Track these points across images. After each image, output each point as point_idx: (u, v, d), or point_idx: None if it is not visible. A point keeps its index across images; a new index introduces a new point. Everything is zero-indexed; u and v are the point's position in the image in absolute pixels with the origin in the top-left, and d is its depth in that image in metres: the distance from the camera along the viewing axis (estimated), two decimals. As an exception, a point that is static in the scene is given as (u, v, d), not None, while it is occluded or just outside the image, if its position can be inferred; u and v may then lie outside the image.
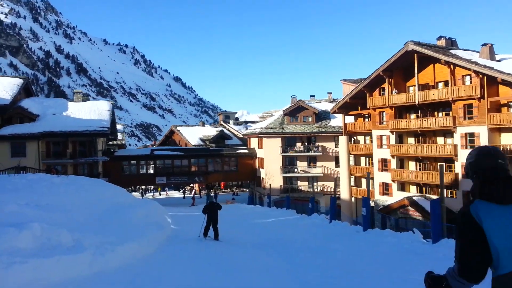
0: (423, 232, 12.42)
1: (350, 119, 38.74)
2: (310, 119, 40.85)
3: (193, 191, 53.92)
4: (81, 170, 36.65)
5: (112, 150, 42.61)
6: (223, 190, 58.96)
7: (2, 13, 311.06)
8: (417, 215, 30.03)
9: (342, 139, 37.63)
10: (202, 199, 47.86)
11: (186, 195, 51.34)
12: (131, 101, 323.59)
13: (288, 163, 41.12)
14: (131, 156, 41.22)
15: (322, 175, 39.86)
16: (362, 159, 38.26)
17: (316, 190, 40.48)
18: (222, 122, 70.42)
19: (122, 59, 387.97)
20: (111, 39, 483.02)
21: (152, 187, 59.85)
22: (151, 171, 42.82)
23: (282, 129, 40.23)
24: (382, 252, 9.29)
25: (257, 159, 43.83)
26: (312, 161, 40.89)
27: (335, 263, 8.30)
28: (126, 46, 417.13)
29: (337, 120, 40.52)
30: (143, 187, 61.63)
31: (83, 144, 36.59)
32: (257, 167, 43.90)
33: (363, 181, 38.42)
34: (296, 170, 40.51)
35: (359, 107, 36.75)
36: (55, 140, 35.28)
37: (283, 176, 40.38)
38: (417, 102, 30.05)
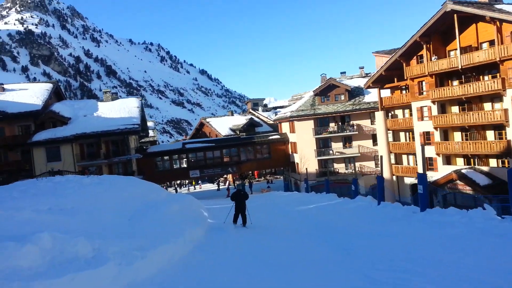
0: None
1: (386, 93, 36.53)
2: (342, 97, 38.91)
3: (227, 182, 53.45)
4: (115, 169, 36.80)
5: (144, 147, 42.63)
6: (257, 179, 58.19)
7: (32, 24, 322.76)
8: (467, 189, 27.84)
9: (379, 115, 35.55)
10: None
11: (220, 187, 50.94)
12: (160, 98, 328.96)
13: (322, 145, 39.52)
14: (164, 151, 41.05)
15: (359, 155, 38.04)
16: (402, 134, 36.07)
17: (354, 171, 38.78)
18: (250, 110, 69.34)
19: (148, 57, 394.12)
20: (136, 39, 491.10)
21: (187, 181, 60.00)
22: (184, 165, 42.51)
23: (313, 110, 38.60)
24: (452, 235, 7.84)
25: (289, 144, 42.49)
26: (347, 141, 39.07)
27: (399, 253, 6.99)
28: (151, 44, 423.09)
29: (372, 96, 38.38)
30: (178, 182, 61.95)
31: (115, 143, 36.64)
32: (290, 152, 42.59)
33: (404, 157, 36.31)
34: (331, 152, 38.89)
35: (395, 79, 34.51)
36: (88, 142, 35.50)
37: (318, 160, 38.89)
38: (460, 67, 27.61)
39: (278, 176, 60.48)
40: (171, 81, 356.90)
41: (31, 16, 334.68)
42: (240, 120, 61.34)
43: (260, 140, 42.66)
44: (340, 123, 38.63)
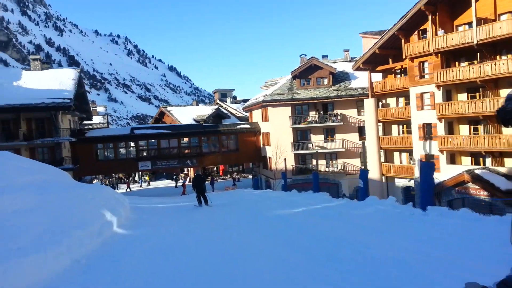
0: None
1: (377, 77, 30.84)
2: (325, 81, 32.90)
3: (187, 178, 46.31)
4: (39, 155, 28.88)
5: (84, 132, 34.75)
6: (222, 176, 51.26)
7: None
8: (481, 194, 22.38)
9: (369, 103, 29.80)
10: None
11: (178, 184, 43.71)
12: (125, 92, 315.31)
13: (300, 137, 33.32)
14: (107, 137, 33.37)
15: (343, 150, 32.07)
16: (394, 127, 30.47)
17: (335, 169, 32.81)
18: (218, 101, 62.48)
19: (114, 50, 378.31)
20: (102, 30, 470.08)
21: (138, 176, 52.17)
22: (133, 155, 35.08)
23: (291, 95, 32.32)
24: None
25: (261, 135, 36.03)
26: (329, 133, 33.08)
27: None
28: (118, 36, 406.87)
29: (360, 81, 32.62)
30: (119, 176, 53.77)
31: (41, 122, 28.77)
32: (261, 145, 36.12)
33: (396, 155, 30.72)
34: (310, 146, 32.74)
35: (390, 60, 28.86)
36: (3, 117, 27.47)
37: (295, 154, 32.64)
38: (475, 42, 22.18)
39: (246, 175, 53.85)
40: (138, 76, 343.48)
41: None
42: (205, 110, 54.37)
43: (226, 129, 35.91)
44: (322, 112, 32.56)
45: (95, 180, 48.43)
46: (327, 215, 9.58)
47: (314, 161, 33.16)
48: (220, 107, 55.81)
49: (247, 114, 57.09)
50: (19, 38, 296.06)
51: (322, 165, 32.84)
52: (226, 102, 62.90)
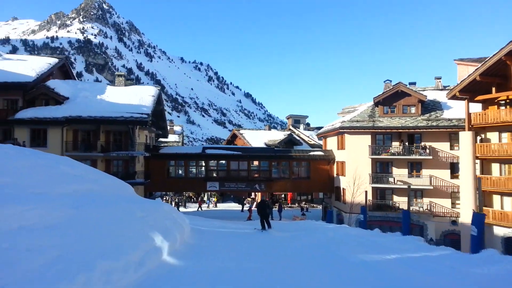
0: None
1: (475, 108, 26.95)
2: (413, 109, 29.65)
3: (254, 202, 44.85)
4: (114, 167, 29.48)
5: (157, 147, 35.27)
6: (289, 204, 49.03)
7: (92, 34, 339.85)
8: None
9: (465, 136, 25.94)
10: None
11: (245, 208, 42.41)
12: (203, 116, 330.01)
13: (380, 170, 30.16)
14: (178, 154, 33.36)
15: (431, 188, 28.18)
16: (495, 166, 26.07)
17: (420, 209, 28.94)
18: (291, 127, 61.02)
19: (197, 76, 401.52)
20: (187, 57, 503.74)
21: (206, 196, 51.92)
22: (202, 174, 34.58)
23: (372, 123, 29.56)
24: None
25: (335, 164, 33.46)
26: (415, 168, 29.48)
27: None
28: (201, 63, 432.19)
29: (454, 111, 28.85)
30: (189, 195, 53.87)
31: (118, 135, 29.49)
32: (335, 174, 33.47)
33: (496, 199, 26.13)
34: (391, 179, 29.40)
35: (493, 89, 25.01)
36: (84, 128, 28.60)
37: (373, 188, 29.49)
38: None
39: (314, 205, 51.02)
40: (215, 101, 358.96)
41: (92, 27, 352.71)
42: (277, 135, 53.19)
43: (298, 155, 33.97)
44: (407, 143, 29.22)
45: (166, 197, 49.11)
46: (433, 269, 7.12)
47: (395, 197, 29.62)
48: (292, 133, 54.27)
49: (320, 142, 54.76)
50: (114, 62, 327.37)
51: (403, 203, 29.17)
52: (299, 128, 61.25)
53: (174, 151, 34.05)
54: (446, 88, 33.07)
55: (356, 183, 28.23)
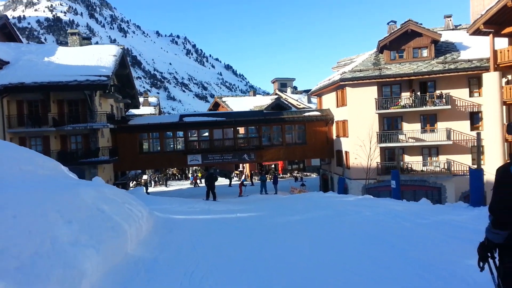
0: None
1: (498, 45, 22.58)
2: (425, 52, 25.08)
3: (243, 175, 40.67)
4: (71, 144, 24.40)
5: (126, 118, 30.09)
6: (281, 175, 44.84)
7: (61, 11, 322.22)
8: None
9: (491, 78, 21.72)
10: (255, 187, 34.22)
11: (233, 182, 38.06)
12: (183, 91, 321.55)
13: (388, 127, 25.88)
14: (152, 125, 28.31)
15: (449, 143, 24.06)
16: (527, 112, 22.07)
17: (437, 168, 24.98)
18: (277, 91, 56.13)
19: (174, 50, 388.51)
20: (163, 31, 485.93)
21: (192, 172, 47.34)
22: (181, 146, 29.83)
23: (379, 71, 24.97)
24: None
25: (334, 124, 29.05)
26: (429, 121, 25.27)
27: None
28: (178, 36, 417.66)
29: (472, 52, 24.40)
30: (173, 172, 48.99)
31: (74, 104, 24.25)
32: (334, 136, 29.14)
33: (528, 150, 22.29)
34: (402, 137, 25.18)
35: (527, 17, 20.58)
36: (31, 98, 23.25)
37: (381, 148, 25.28)
38: None
39: (308, 174, 47.05)
40: (195, 75, 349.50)
41: (60, 4, 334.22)
42: (264, 100, 48.38)
43: (291, 117, 29.38)
44: (419, 93, 24.82)
45: (145, 176, 44.37)
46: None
47: (407, 157, 25.54)
48: (280, 98, 49.55)
49: (311, 105, 50.24)
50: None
51: (417, 163, 25.15)
52: (286, 92, 56.45)
53: (147, 121, 28.97)
54: (458, 28, 28.53)
55: (371, 142, 24.02)
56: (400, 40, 25.11)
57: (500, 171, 2.67)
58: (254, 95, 56.49)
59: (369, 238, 5.96)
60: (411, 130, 25.16)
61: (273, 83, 58.56)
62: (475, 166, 20.97)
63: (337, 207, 9.92)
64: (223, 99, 50.75)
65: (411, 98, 24.76)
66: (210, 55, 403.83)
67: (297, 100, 53.43)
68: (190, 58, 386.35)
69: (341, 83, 25.61)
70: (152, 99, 50.30)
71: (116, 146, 27.46)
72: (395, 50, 25.65)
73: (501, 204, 2.57)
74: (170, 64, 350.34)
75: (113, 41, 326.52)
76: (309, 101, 52.87)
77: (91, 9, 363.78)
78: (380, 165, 25.28)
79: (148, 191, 33.83)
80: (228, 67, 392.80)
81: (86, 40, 29.11)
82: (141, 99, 48.27)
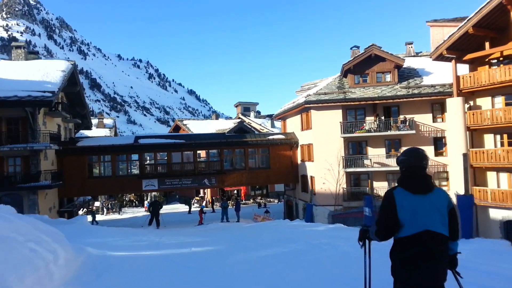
0: None
1: (460, 71, 22.82)
2: (388, 77, 25.00)
3: (203, 202, 38.68)
4: (8, 166, 21.65)
5: (75, 140, 27.54)
6: (243, 200, 43.20)
7: (17, 31, 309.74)
8: None
9: (454, 103, 21.71)
10: (216, 213, 32.29)
11: (192, 209, 35.91)
12: (145, 115, 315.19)
13: (353, 151, 25.26)
14: (102, 147, 26.00)
15: (414, 168, 23.70)
16: (489, 138, 22.15)
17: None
18: (240, 115, 55.21)
19: (136, 73, 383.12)
20: (125, 54, 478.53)
21: (150, 198, 44.56)
22: (136, 170, 27.64)
23: (343, 94, 24.48)
24: None
25: (299, 148, 28.13)
26: (394, 146, 24.91)
27: None
28: (140, 60, 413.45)
29: (435, 77, 24.60)
30: (130, 198, 45.95)
31: (14, 123, 21.71)
32: (299, 161, 28.16)
33: (491, 176, 22.21)
34: (367, 162, 24.58)
35: (487, 43, 20.88)
36: (-38, 116, 20.55)
37: (346, 173, 24.49)
38: None
39: (271, 200, 45.68)
40: (157, 99, 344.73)
41: (17, 24, 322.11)
42: (226, 124, 47.07)
43: (255, 140, 28.18)
44: (384, 117, 24.52)
45: (97, 203, 41.14)
46: None
47: (375, 183, 24.89)
48: (243, 122, 48.52)
49: (274, 129, 49.59)
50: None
51: (382, 188, 24.53)
52: (249, 116, 55.65)
53: (97, 143, 26.63)
54: (419, 54, 29.01)
55: (339, 165, 23.12)
56: (364, 64, 24.93)
57: (386, 195, 3.20)
58: (217, 118, 55.15)
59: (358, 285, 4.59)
60: (376, 155, 24.65)
61: (236, 107, 57.66)
62: (462, 193, 20.68)
63: (308, 239, 8.55)
64: (184, 122, 48.93)
65: (375, 123, 24.37)
66: (173, 80, 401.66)
67: (260, 125, 52.68)
68: (152, 82, 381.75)
69: (306, 105, 24.87)
70: (108, 121, 47.57)
71: (62, 169, 24.87)
72: (359, 74, 25.41)
73: (382, 225, 3.15)
74: (131, 87, 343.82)
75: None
76: (273, 125, 52.27)
77: (50, 30, 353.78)
78: (346, 191, 24.41)
79: (97, 219, 30.98)
80: (191, 92, 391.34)
81: (32, 54, 26.76)
82: (95, 121, 45.49)
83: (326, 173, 23.88)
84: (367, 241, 3.66)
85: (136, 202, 48.17)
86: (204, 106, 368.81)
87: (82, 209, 40.39)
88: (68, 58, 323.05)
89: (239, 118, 54.04)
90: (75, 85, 27.08)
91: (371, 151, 24.90)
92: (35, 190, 20.77)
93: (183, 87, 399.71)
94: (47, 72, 23.09)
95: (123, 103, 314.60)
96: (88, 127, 32.45)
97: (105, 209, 39.10)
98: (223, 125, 46.11)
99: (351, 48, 28.56)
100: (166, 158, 27.61)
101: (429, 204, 3.06)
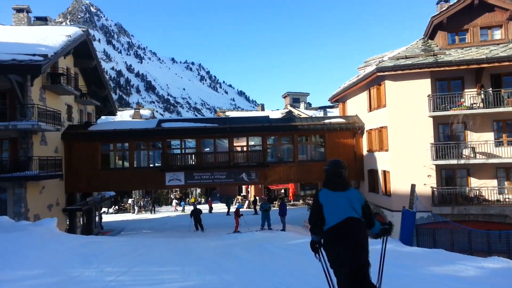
0: None
1: None
2: (497, 33, 17.64)
3: (246, 202, 33.02)
4: (-6, 151, 17.24)
5: (90, 124, 22.93)
6: (291, 201, 36.68)
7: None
8: None
9: None
10: (258, 216, 26.30)
11: (231, 209, 30.28)
12: (196, 115, 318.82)
13: (445, 137, 18.13)
14: (117, 132, 21.13)
15: (541, 160, 16.14)
16: None
17: (522, 198, 16.90)
18: (288, 107, 48.94)
19: (188, 76, 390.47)
20: (178, 58, 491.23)
21: (176, 198, 39.60)
22: (157, 162, 22.50)
23: (433, 57, 17.53)
24: None
25: (364, 135, 21.43)
26: (506, 129, 17.47)
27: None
28: (193, 63, 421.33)
29: None
30: (176, 195, 40.76)
31: (2, 96, 17.31)
32: (365, 151, 21.45)
33: None
34: (465, 152, 17.36)
35: None
36: None
37: (436, 166, 17.45)
38: None
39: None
40: (208, 100, 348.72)
41: (82, 30, 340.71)
42: (273, 115, 41.11)
43: (306, 125, 21.87)
44: (490, 90, 17.17)
45: (130, 200, 37.04)
46: None
47: (473, 181, 17.58)
48: (291, 112, 42.37)
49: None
50: (103, 65, 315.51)
51: (487, 189, 17.15)
52: (299, 108, 49.22)
53: (112, 127, 21.78)
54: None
55: (401, 162, 16.18)
56: (462, 17, 17.73)
57: (315, 195, 4.03)
58: (263, 109, 49.39)
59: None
60: (480, 142, 17.34)
61: (284, 97, 51.47)
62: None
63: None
64: (227, 113, 43.84)
65: (480, 96, 17.08)
66: (224, 81, 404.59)
67: (311, 116, 46.19)
68: (203, 84, 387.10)
69: (378, 73, 18.10)
70: (145, 112, 43.56)
71: (70, 158, 20.29)
72: (454, 32, 18.23)
73: (312, 220, 3.93)
74: (184, 89, 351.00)
75: (129, 66, 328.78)
76: (324, 112, 45.55)
77: (109, 36, 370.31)
78: (435, 192, 17.35)
79: (119, 218, 26.31)
80: (241, 93, 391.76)
81: (40, 20, 22.57)
82: (131, 111, 41.63)
83: (409, 167, 17.00)
84: (321, 251, 3.86)
85: (177, 200, 43.08)
86: (253, 107, 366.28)
87: (113, 206, 36.36)
88: (126, 61, 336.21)
89: (287, 109, 47.87)
90: (90, 59, 22.57)
91: (472, 136, 17.63)
92: (21, 181, 16.12)
93: (233, 88, 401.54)
94: (47, 37, 18.56)
95: (176, 104, 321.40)
96: (112, 112, 27.96)
97: (136, 208, 34.69)
98: (270, 115, 40.27)
99: (437, 3, 21.25)
100: (195, 147, 22.17)
101: (346, 199, 3.74)
